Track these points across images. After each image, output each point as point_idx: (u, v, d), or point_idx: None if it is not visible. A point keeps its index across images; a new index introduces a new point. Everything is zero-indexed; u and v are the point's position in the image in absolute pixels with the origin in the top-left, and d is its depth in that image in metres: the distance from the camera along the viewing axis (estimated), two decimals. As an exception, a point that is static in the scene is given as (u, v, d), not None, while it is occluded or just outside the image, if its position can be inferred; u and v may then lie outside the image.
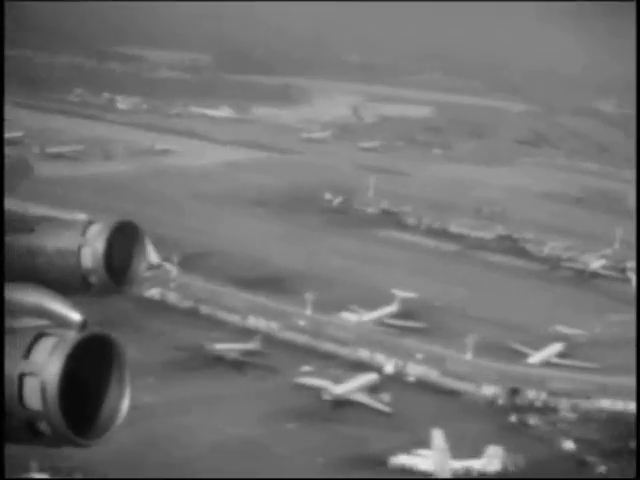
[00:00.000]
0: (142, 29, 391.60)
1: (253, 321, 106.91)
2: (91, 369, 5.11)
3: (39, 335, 5.02)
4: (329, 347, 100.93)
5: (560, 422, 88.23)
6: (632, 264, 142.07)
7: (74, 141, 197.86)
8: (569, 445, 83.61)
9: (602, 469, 80.00)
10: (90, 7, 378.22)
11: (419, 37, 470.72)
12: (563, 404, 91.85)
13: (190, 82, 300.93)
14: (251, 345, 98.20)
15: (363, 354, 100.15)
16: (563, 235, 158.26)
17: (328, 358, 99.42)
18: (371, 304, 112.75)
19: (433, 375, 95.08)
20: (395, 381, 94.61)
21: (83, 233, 5.95)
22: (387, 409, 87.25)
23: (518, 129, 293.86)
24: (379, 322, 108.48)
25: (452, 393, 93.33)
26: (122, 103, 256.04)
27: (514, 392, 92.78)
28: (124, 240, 6.13)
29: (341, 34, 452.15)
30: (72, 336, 4.92)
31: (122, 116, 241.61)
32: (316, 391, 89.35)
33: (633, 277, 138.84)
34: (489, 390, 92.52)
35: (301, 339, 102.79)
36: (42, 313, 5.38)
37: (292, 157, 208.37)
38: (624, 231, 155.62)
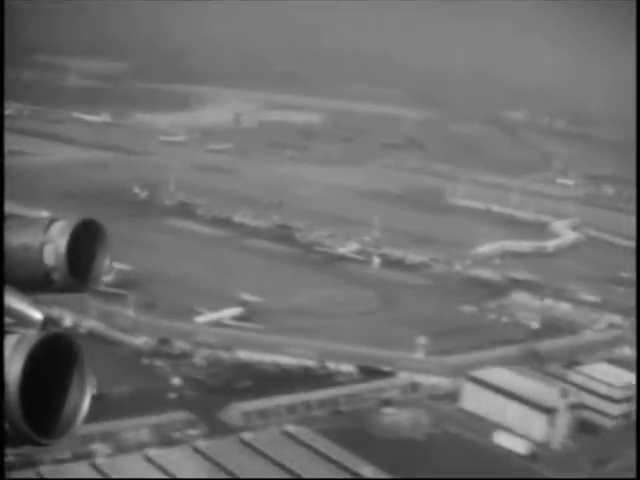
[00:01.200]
0: (70, 37, 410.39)
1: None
2: (51, 369, 5.11)
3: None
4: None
5: (184, 366, 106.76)
6: (389, 250, 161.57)
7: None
8: (176, 381, 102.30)
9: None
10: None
11: (351, 49, 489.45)
12: (201, 353, 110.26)
13: (91, 89, 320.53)
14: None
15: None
16: (345, 225, 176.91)
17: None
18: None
19: (101, 327, 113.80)
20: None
21: (46, 230, 5.94)
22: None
23: (394, 134, 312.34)
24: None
25: (115, 343, 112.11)
26: (8, 109, 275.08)
27: (163, 342, 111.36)
28: (87, 238, 6.17)
29: (275, 44, 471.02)
30: (33, 335, 4.91)
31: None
32: None
33: (376, 260, 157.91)
34: (141, 340, 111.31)
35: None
36: (6, 311, 5.39)
37: (138, 158, 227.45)
38: (390, 218, 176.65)
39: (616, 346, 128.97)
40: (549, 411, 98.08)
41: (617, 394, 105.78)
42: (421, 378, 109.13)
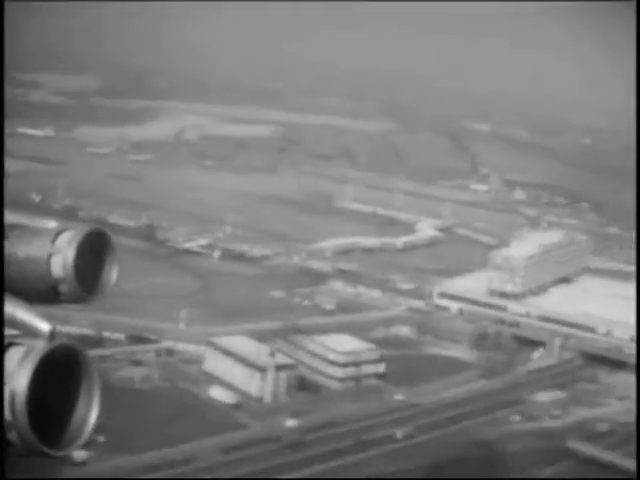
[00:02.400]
0: (33, 53, 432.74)
1: None
2: (59, 380, 5.10)
3: (8, 344, 4.99)
4: None
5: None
6: (234, 245, 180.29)
7: None
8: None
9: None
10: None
11: (320, 62, 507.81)
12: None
13: (48, 105, 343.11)
14: None
15: None
16: (208, 224, 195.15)
17: None
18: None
19: None
20: None
21: (53, 241, 5.92)
22: None
23: (332, 145, 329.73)
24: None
25: None
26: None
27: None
28: (95, 249, 6.16)
29: (238, 59, 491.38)
30: (41, 346, 4.93)
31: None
32: None
33: (216, 253, 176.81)
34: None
35: None
36: (12, 322, 5.36)
37: (59, 167, 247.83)
38: (258, 218, 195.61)
39: (391, 325, 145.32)
40: (261, 370, 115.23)
41: (342, 359, 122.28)
42: (181, 346, 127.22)
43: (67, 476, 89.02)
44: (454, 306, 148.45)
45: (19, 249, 5.98)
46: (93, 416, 5.25)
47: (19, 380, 4.82)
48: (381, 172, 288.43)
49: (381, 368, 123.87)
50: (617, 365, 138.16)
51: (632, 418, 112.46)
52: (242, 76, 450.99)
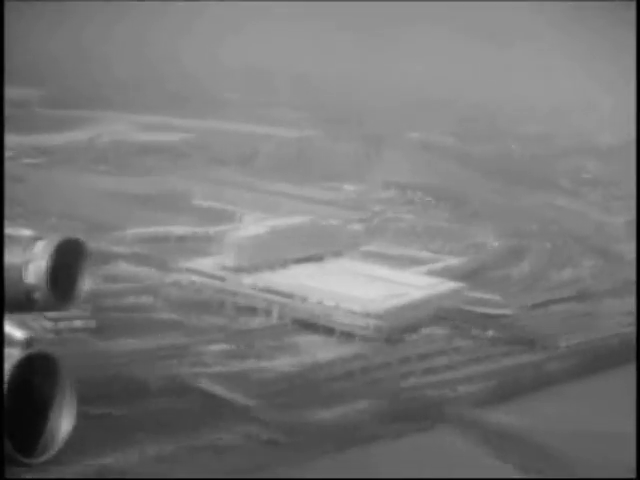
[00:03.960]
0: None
1: None
2: (34, 388, 5.17)
3: None
4: None
5: None
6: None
7: None
8: None
9: None
10: None
11: (267, 69, 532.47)
12: None
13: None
14: None
15: None
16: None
17: None
18: None
19: None
20: None
21: (28, 249, 6.17)
22: None
23: (237, 152, 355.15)
24: None
25: None
26: None
27: None
28: (69, 257, 6.33)
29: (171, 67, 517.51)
30: (16, 354, 5.03)
31: None
32: None
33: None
34: None
35: None
36: None
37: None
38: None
39: (143, 294, 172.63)
40: None
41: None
42: None
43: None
44: (197, 279, 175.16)
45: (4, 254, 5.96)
46: (67, 425, 5.27)
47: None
48: (270, 177, 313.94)
49: (93, 324, 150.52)
50: (318, 329, 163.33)
51: (298, 370, 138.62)
52: (178, 85, 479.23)
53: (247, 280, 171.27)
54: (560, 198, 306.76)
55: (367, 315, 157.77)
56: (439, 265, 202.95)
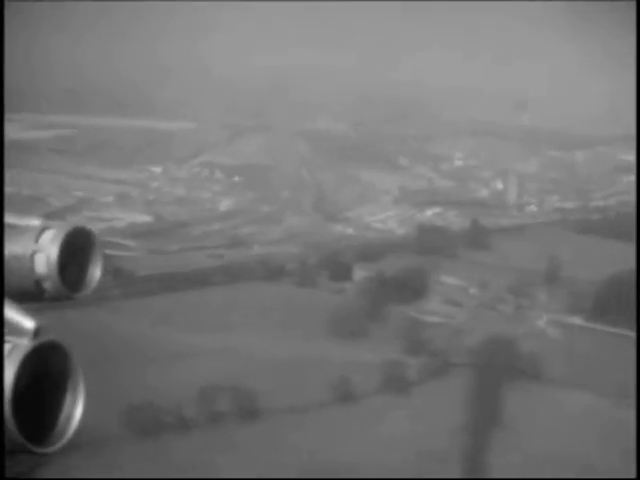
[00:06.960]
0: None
1: None
2: (44, 378, 4.95)
3: None
4: None
5: None
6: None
7: None
8: None
9: None
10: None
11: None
12: None
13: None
14: None
15: None
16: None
17: None
18: None
19: None
20: None
21: (37, 239, 5.72)
22: None
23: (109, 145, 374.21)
24: None
25: None
26: None
27: None
28: (79, 247, 6.00)
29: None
30: (25, 343, 4.81)
31: None
32: None
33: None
34: None
35: None
36: None
37: None
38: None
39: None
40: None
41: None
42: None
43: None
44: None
45: (4, 247, 5.81)
46: (78, 414, 5.09)
47: (4, 379, 4.67)
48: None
49: None
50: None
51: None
52: (109, 85, 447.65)
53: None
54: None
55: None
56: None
